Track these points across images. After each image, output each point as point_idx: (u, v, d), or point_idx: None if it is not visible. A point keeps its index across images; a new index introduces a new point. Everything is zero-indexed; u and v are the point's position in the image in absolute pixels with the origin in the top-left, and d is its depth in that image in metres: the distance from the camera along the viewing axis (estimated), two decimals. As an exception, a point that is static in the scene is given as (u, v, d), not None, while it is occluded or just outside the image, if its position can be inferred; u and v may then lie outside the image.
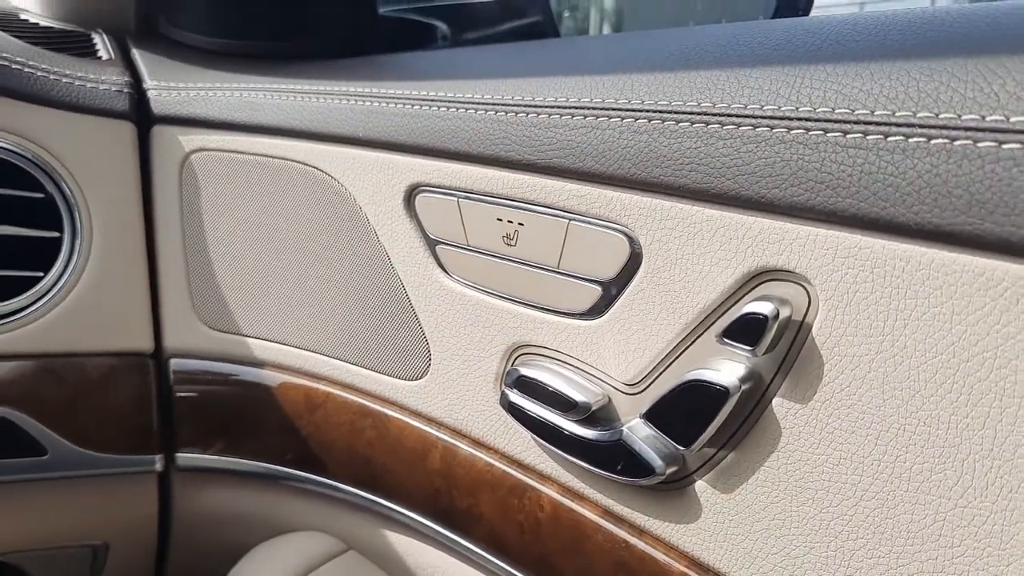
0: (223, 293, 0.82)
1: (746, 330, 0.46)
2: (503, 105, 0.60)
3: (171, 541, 0.89)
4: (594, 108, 0.54)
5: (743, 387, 0.48)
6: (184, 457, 0.84)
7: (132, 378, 0.80)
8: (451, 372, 0.69)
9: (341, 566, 0.79)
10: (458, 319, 0.67)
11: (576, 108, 0.55)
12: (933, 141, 0.39)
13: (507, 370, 0.64)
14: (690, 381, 0.50)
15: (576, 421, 0.58)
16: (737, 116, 0.47)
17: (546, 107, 0.57)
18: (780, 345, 0.46)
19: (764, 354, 0.46)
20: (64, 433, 0.77)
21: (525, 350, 0.63)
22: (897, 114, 0.41)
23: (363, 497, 0.78)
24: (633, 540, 0.58)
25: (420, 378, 0.72)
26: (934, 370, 0.41)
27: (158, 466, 0.83)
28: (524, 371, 0.61)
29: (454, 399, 0.69)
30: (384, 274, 0.72)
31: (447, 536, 0.72)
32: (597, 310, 0.57)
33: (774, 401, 0.48)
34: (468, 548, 0.71)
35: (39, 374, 0.76)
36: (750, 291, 0.48)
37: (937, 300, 0.40)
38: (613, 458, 0.56)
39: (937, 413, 0.41)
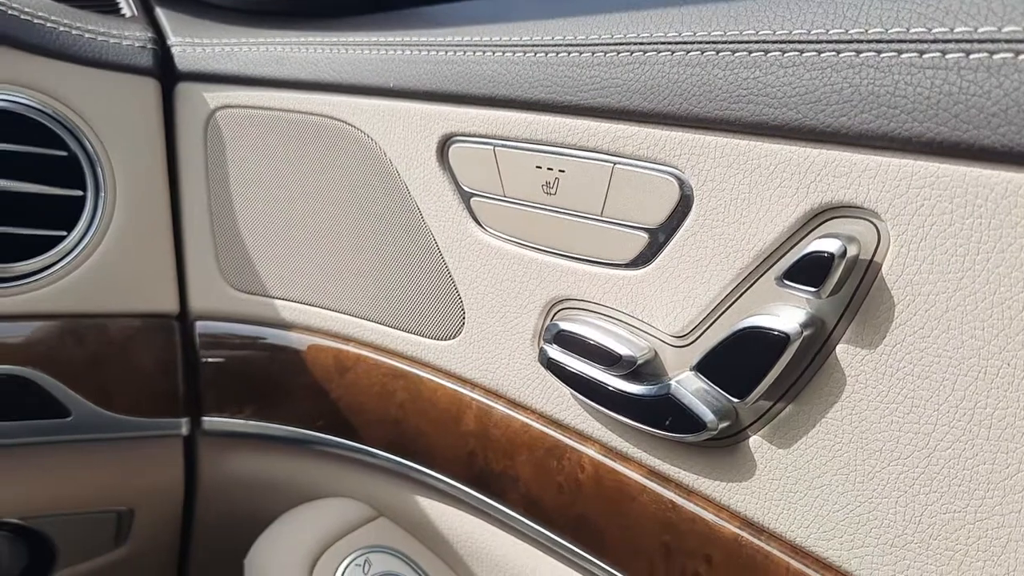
0: (250, 254, 0.80)
1: (809, 271, 0.43)
2: (543, 46, 0.57)
3: (197, 508, 0.88)
4: (642, 43, 0.51)
5: (804, 333, 0.45)
6: (210, 421, 0.82)
7: (157, 340, 0.78)
8: (486, 330, 0.66)
9: (371, 533, 0.77)
10: (493, 274, 0.64)
11: (622, 44, 0.52)
12: (1021, 56, 0.36)
13: (546, 326, 0.61)
14: (745, 329, 0.47)
15: (620, 376, 0.55)
16: (799, 42, 0.43)
17: (589, 45, 0.54)
18: (846, 286, 0.43)
19: (828, 296, 0.43)
20: (87, 395, 0.75)
21: (565, 304, 0.60)
22: (980, 30, 0.37)
23: (395, 462, 0.75)
24: (680, 501, 0.56)
25: (453, 337, 0.69)
26: (1021, 305, 0.38)
27: (184, 430, 0.81)
28: (564, 326, 0.58)
29: (489, 358, 0.67)
30: (415, 230, 0.69)
31: (481, 500, 0.70)
32: (643, 259, 0.54)
33: (838, 347, 0.45)
34: (503, 512, 0.68)
35: (61, 335, 0.74)
36: (813, 230, 0.45)
37: (1026, 229, 0.37)
38: (660, 414, 0.53)
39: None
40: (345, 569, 0.74)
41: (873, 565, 0.45)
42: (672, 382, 0.52)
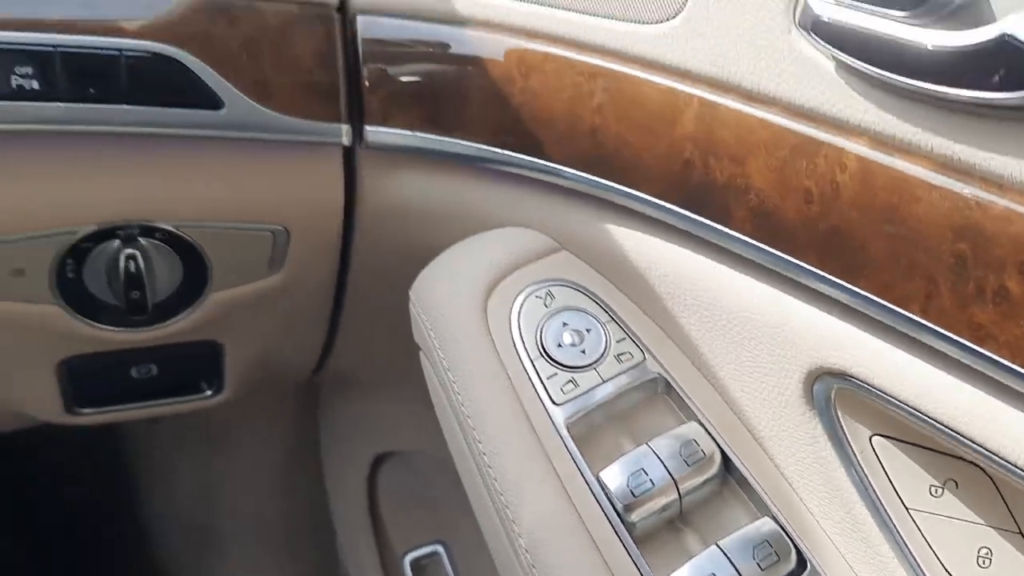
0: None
1: None
2: None
3: (356, 234, 0.78)
4: None
5: None
6: (374, 132, 0.71)
7: (315, 30, 0.68)
8: (718, 3, 0.53)
9: (553, 266, 0.66)
10: None
11: None
12: None
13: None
14: None
15: (924, 21, 0.41)
16: None
17: None
18: None
19: None
20: (241, 85, 0.65)
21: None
22: None
23: (587, 181, 0.63)
24: (989, 197, 0.42)
25: (671, 19, 0.56)
26: None
27: (345, 139, 0.71)
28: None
29: (720, 39, 0.53)
30: None
31: (694, 223, 0.57)
32: None
33: None
34: (723, 235, 0.56)
35: (212, 14, 0.64)
36: None
37: None
38: (984, 68, 0.39)
39: None
40: (524, 301, 0.65)
41: None
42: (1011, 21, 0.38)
